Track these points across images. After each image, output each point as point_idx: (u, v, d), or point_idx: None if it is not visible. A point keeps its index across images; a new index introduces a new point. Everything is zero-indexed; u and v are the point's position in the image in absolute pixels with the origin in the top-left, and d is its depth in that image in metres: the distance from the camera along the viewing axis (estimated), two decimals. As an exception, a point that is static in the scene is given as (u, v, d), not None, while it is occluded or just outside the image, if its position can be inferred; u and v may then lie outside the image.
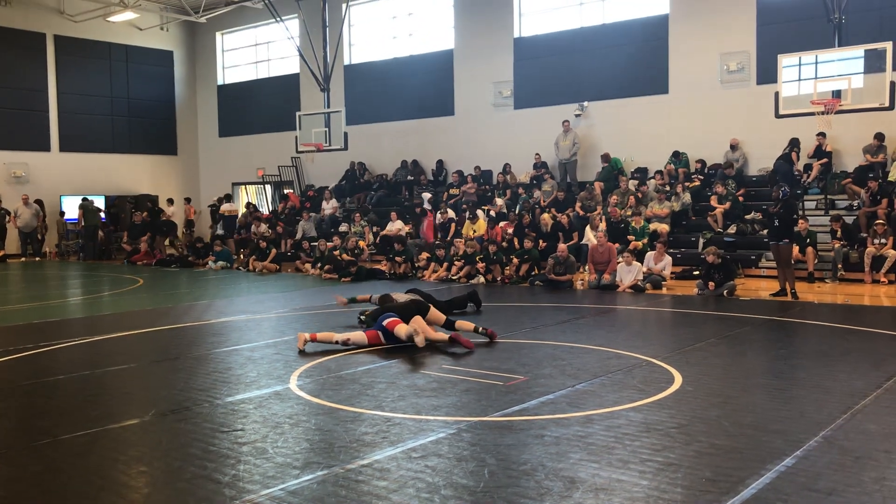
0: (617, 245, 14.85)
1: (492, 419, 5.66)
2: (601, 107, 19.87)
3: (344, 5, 22.88)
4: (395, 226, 19.38)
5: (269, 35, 27.10)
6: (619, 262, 13.95)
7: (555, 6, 20.79)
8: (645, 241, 15.58)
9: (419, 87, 23.02)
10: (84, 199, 24.00)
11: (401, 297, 9.72)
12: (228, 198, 24.45)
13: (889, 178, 15.43)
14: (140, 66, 27.83)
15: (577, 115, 20.04)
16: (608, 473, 4.51)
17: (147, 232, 22.59)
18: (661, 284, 13.76)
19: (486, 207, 19.17)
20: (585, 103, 20.04)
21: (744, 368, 7.51)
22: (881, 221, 14.18)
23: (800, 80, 15.50)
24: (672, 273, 14.46)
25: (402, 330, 8.24)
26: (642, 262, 14.12)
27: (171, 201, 25.37)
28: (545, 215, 17.20)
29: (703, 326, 9.92)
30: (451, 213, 19.36)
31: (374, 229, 20.15)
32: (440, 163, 22.58)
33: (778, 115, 15.20)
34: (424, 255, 16.96)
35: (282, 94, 26.24)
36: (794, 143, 16.78)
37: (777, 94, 15.03)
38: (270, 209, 25.73)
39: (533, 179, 20.04)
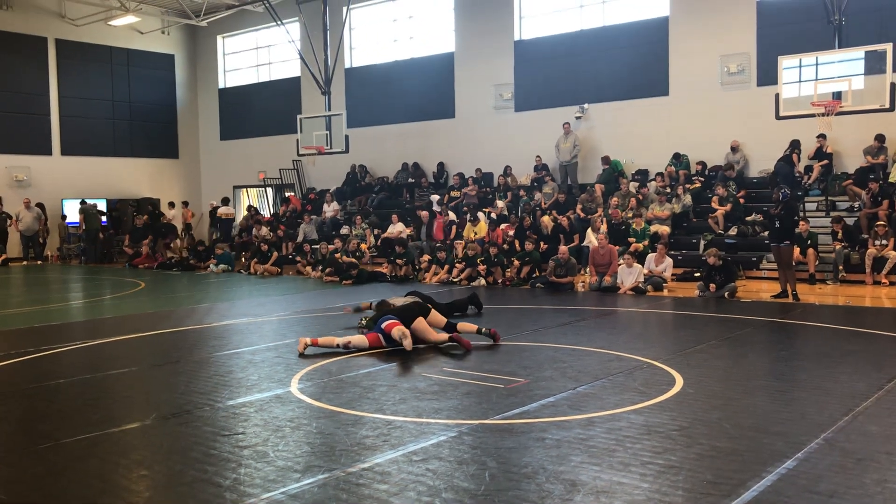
0: (618, 247, 14.85)
1: (493, 422, 5.66)
2: (602, 109, 19.89)
3: (344, 8, 22.91)
4: (396, 228, 19.39)
5: (270, 38, 27.14)
6: (619, 264, 13.94)
7: (555, 9, 20.81)
8: (646, 242, 15.58)
9: (420, 90, 23.04)
10: (82, 202, 24.02)
11: (399, 300, 9.73)
12: (226, 201, 24.46)
13: (890, 180, 15.42)
14: (141, 70, 27.87)
15: (578, 118, 20.05)
16: (609, 476, 4.51)
17: (149, 235, 22.61)
18: (661, 286, 13.75)
19: (486, 209, 19.18)
20: (586, 105, 20.05)
21: (745, 370, 7.50)
22: (882, 223, 14.17)
23: (800, 81, 15.53)
24: (673, 275, 14.45)
25: (396, 332, 8.24)
26: (643, 264, 14.12)
27: (172, 204, 25.41)
28: (546, 217, 17.21)
29: (704, 328, 9.91)
30: (451, 216, 19.37)
31: (376, 232, 20.15)
32: (441, 165, 22.59)
33: (778, 117, 15.22)
34: (426, 257, 16.97)
35: (283, 98, 26.28)
36: (795, 145, 16.79)
37: (777, 95, 15.04)
38: (272, 212, 25.75)
39: (534, 182, 20.06)
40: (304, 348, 8.32)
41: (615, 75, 19.58)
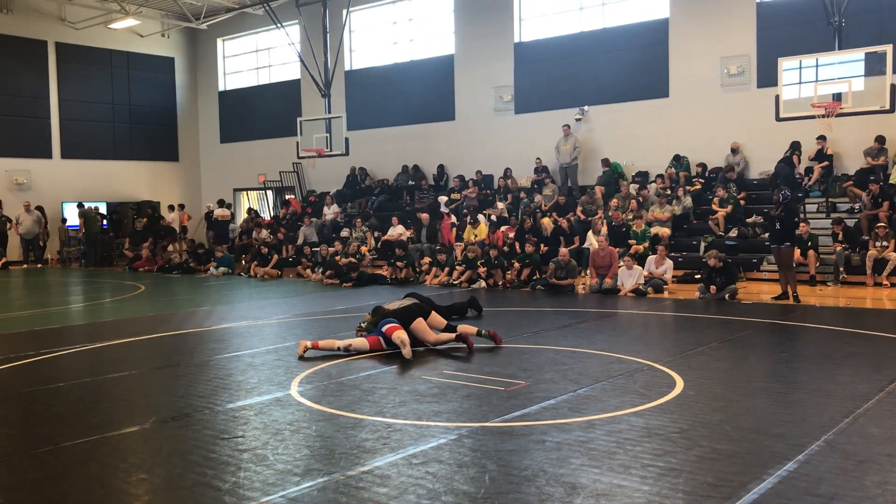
0: (618, 249, 14.84)
1: (493, 425, 5.65)
2: (602, 111, 19.89)
3: (344, 11, 22.93)
4: (397, 231, 19.38)
5: (270, 41, 27.16)
6: (620, 266, 13.93)
7: (555, 11, 20.82)
8: (646, 244, 15.58)
9: (420, 93, 23.05)
10: (80, 206, 24.01)
11: (394, 304, 9.72)
12: (221, 203, 24.47)
13: (890, 181, 15.41)
14: (141, 73, 27.90)
15: (578, 120, 20.05)
16: (609, 479, 4.50)
17: (149, 238, 22.61)
18: (662, 288, 13.74)
19: (487, 212, 19.18)
20: (586, 107, 20.05)
21: (745, 372, 7.49)
22: (883, 224, 14.16)
23: (800, 83, 15.53)
24: (673, 277, 14.44)
25: (396, 337, 8.23)
26: (643, 266, 14.11)
27: (171, 207, 25.41)
28: (546, 219, 17.20)
29: (705, 330, 9.90)
30: (452, 218, 19.36)
31: (376, 234, 20.15)
32: (441, 167, 22.59)
33: (778, 119, 15.22)
34: (426, 259, 16.97)
35: (283, 100, 26.29)
36: (795, 147, 16.79)
37: (777, 97, 15.04)
38: (272, 215, 25.74)
39: (534, 184, 20.06)
40: (304, 351, 8.32)
41: (615, 77, 19.58)
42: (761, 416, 5.82)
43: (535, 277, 15.12)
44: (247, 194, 28.66)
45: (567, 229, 16.74)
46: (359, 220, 20.85)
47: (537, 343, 9.00)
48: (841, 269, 14.12)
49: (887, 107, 13.93)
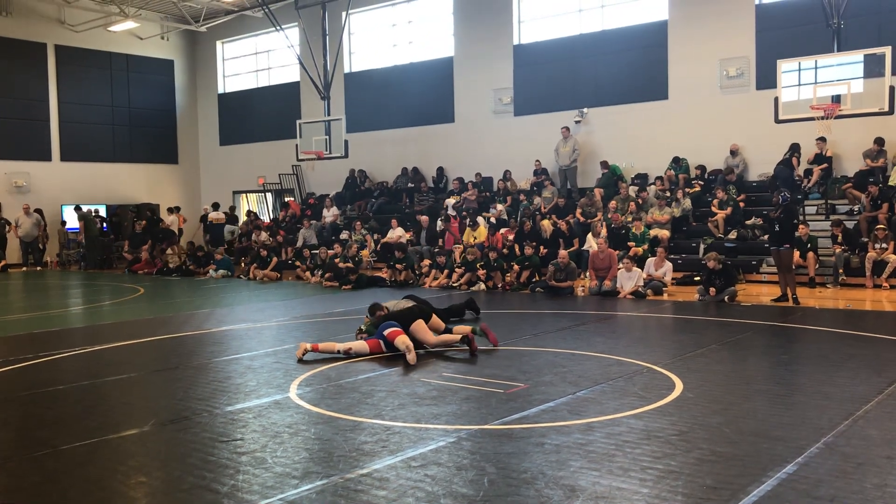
0: (618, 251, 14.84)
1: (492, 427, 5.64)
2: (601, 113, 19.89)
3: (344, 13, 22.93)
4: (396, 233, 19.38)
5: (270, 44, 27.17)
6: (619, 269, 13.93)
7: (554, 13, 20.83)
8: (645, 247, 15.58)
9: (419, 95, 23.06)
10: (77, 208, 24.00)
11: (392, 303, 9.74)
12: (216, 206, 24.47)
13: (889, 183, 15.41)
14: (141, 76, 27.90)
15: (577, 122, 20.05)
16: (609, 481, 4.49)
17: (148, 241, 22.60)
18: (661, 290, 13.73)
19: (486, 214, 19.18)
20: (585, 110, 20.06)
21: (745, 375, 7.49)
22: (882, 226, 14.16)
23: (799, 85, 15.53)
24: (673, 279, 14.43)
25: (400, 342, 8.22)
26: (643, 268, 14.10)
27: (171, 210, 25.38)
28: (545, 222, 17.20)
29: (704, 332, 9.89)
30: (443, 220, 19.34)
31: (375, 237, 20.15)
32: (440, 170, 22.59)
33: (778, 121, 15.22)
34: (426, 261, 16.97)
35: (282, 103, 26.29)
36: (795, 149, 16.79)
37: (777, 99, 15.04)
38: (271, 217, 25.74)
39: (533, 186, 20.05)
40: (304, 354, 8.32)
41: (614, 79, 19.59)
42: (761, 418, 5.81)
43: (534, 280, 15.12)
44: (246, 197, 28.66)
45: (566, 231, 16.74)
46: (358, 222, 20.85)
47: (536, 345, 9.00)
48: (840, 270, 14.12)
49: (886, 108, 13.93)
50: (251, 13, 25.37)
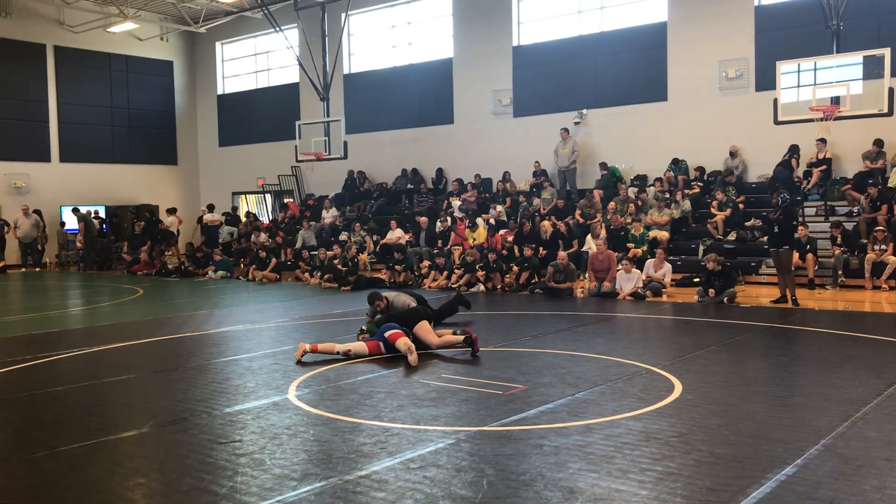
0: (617, 252, 14.84)
1: (491, 429, 5.63)
2: (600, 114, 19.89)
3: (343, 15, 22.94)
4: (395, 234, 19.37)
5: (269, 45, 27.17)
6: (618, 270, 13.92)
7: (554, 14, 20.83)
8: (645, 248, 15.58)
9: (419, 96, 23.06)
10: (75, 210, 23.98)
11: (392, 294, 9.84)
12: (211, 207, 24.45)
13: (889, 184, 15.42)
14: (140, 77, 27.90)
15: (577, 123, 20.05)
16: (607, 483, 4.49)
17: (147, 242, 22.59)
18: (661, 292, 13.73)
19: (485, 216, 19.17)
20: (584, 111, 20.06)
21: (744, 376, 7.48)
22: (881, 227, 14.16)
23: (798, 86, 15.53)
24: (672, 280, 14.43)
25: (401, 344, 8.22)
26: (642, 270, 14.10)
27: (169, 211, 25.35)
28: (545, 223, 17.20)
29: (704, 334, 9.89)
30: (450, 222, 19.33)
31: (375, 238, 20.14)
32: (440, 171, 22.59)
33: (777, 122, 15.23)
34: (425, 262, 16.96)
35: (281, 104, 26.29)
36: (794, 150, 16.78)
37: (776, 100, 15.05)
38: (270, 218, 25.73)
39: (532, 187, 20.05)
40: (303, 355, 8.31)
41: (613, 81, 19.60)
42: (760, 420, 5.81)
43: (533, 281, 15.11)
44: (245, 198, 28.64)
45: (566, 233, 16.74)
46: (357, 223, 20.84)
47: (536, 347, 8.99)
48: (840, 272, 14.12)
49: (885, 110, 13.94)
50: (250, 14, 25.37)
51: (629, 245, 15.74)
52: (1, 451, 5.44)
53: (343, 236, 20.68)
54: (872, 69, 14.36)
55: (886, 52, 13.83)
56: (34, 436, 5.77)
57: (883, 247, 13.95)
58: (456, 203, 20.55)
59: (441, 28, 22.96)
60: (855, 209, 15.60)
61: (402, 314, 9.00)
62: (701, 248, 15.93)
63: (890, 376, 7.06)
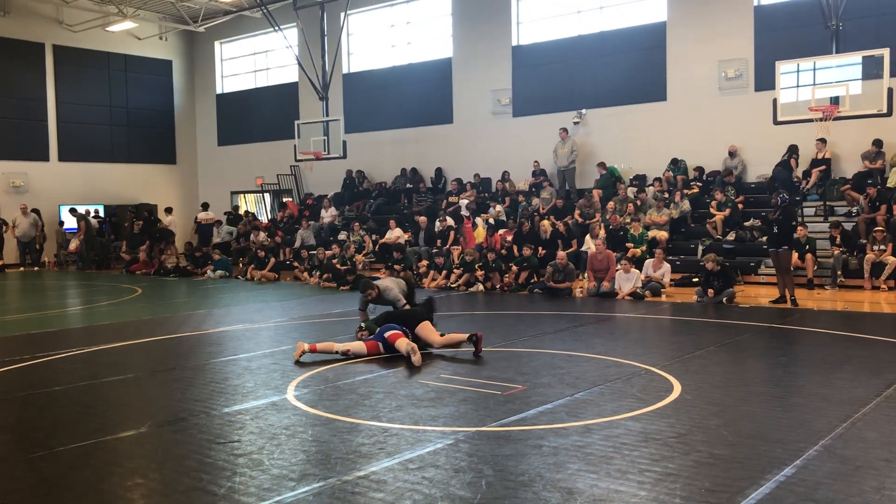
0: (616, 252, 14.83)
1: (489, 429, 5.63)
2: (599, 114, 19.88)
3: (342, 14, 22.93)
4: (394, 234, 19.36)
5: (268, 44, 27.14)
6: (617, 270, 13.92)
7: (553, 14, 20.83)
8: (644, 248, 15.57)
9: (418, 96, 23.04)
10: (72, 211, 23.94)
11: (383, 283, 9.90)
12: (205, 206, 24.40)
13: (888, 185, 15.42)
14: (139, 76, 27.88)
15: (576, 123, 20.05)
16: (606, 484, 4.48)
17: (146, 241, 22.57)
18: (660, 292, 13.73)
19: (484, 215, 19.16)
20: (584, 111, 20.05)
21: (743, 376, 7.48)
22: (880, 228, 14.16)
23: (798, 86, 15.53)
24: (671, 280, 14.44)
25: (402, 345, 8.21)
26: (641, 270, 14.10)
27: (168, 210, 25.35)
28: (544, 223, 17.19)
29: (703, 334, 9.89)
30: (450, 221, 19.33)
31: (374, 237, 20.13)
32: (439, 171, 22.59)
33: (776, 122, 15.24)
34: (424, 262, 16.96)
35: (280, 103, 26.27)
36: (793, 150, 16.78)
37: (775, 100, 15.05)
38: (269, 218, 25.72)
39: (532, 187, 20.04)
40: (301, 355, 8.30)
41: (613, 81, 19.59)
42: (759, 420, 5.81)
43: (532, 281, 15.11)
44: (244, 197, 28.62)
45: (565, 232, 16.74)
46: (356, 223, 20.83)
47: (534, 347, 8.99)
48: (839, 272, 14.12)
49: (885, 110, 13.95)
50: (249, 14, 25.35)
51: (628, 245, 15.74)
52: (-1, 451, 5.43)
53: (342, 236, 20.68)
54: (872, 69, 14.36)
55: (886, 53, 13.83)
56: (32, 436, 5.76)
57: (882, 247, 13.95)
58: (464, 202, 20.53)
59: (440, 28, 22.95)
60: (854, 209, 15.61)
61: (402, 314, 9.00)
62: (700, 248, 15.92)
63: (889, 377, 7.06)
